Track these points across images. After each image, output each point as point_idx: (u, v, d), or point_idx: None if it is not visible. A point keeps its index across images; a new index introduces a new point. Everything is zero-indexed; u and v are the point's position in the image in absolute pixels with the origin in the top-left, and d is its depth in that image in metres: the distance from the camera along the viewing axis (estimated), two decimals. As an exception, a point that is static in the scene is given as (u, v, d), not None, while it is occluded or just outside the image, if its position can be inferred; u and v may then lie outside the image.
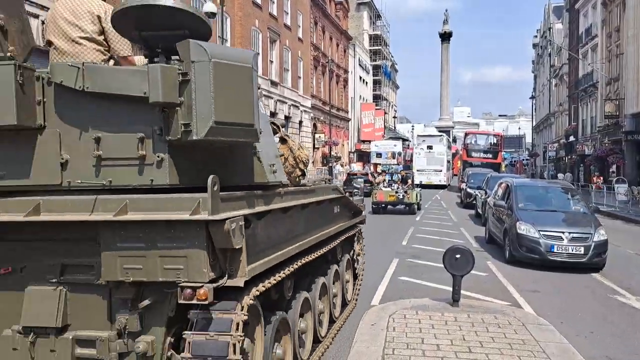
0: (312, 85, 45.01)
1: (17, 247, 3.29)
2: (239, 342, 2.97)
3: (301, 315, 4.61)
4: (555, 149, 59.26)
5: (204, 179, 2.92)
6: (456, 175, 46.93)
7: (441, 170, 40.73)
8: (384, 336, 5.54)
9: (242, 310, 3.06)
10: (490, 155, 38.58)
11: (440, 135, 46.53)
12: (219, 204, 2.93)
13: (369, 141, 61.41)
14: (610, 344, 5.88)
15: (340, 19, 54.80)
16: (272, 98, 35.07)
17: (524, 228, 10.30)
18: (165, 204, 3.00)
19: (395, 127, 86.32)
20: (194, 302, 2.92)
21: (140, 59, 3.83)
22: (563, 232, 10.00)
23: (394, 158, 45.44)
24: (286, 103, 37.69)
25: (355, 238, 7.31)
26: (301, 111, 41.19)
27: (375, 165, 44.32)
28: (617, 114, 34.96)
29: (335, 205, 5.86)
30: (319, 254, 4.94)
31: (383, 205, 20.92)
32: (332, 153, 44.78)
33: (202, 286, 2.90)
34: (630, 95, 32.14)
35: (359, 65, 63.38)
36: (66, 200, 3.15)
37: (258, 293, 3.36)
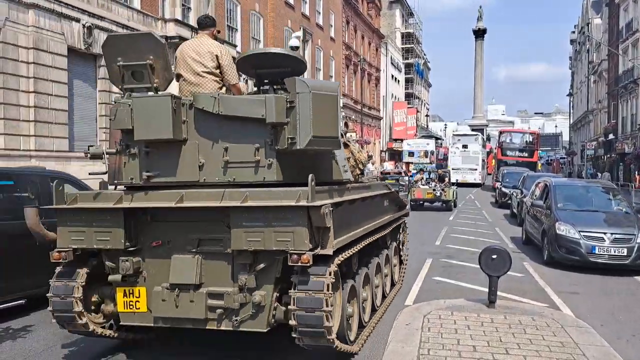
0: (344, 84, 45.00)
1: (166, 226, 4.54)
2: (329, 297, 4.10)
3: (362, 287, 5.66)
4: (593, 147, 57.58)
5: (301, 177, 4.23)
6: (490, 174, 46.14)
7: (476, 169, 41.25)
8: (419, 336, 5.56)
9: (330, 275, 4.17)
10: (525, 154, 37.80)
11: (475, 135, 46.76)
12: (315, 195, 4.08)
13: (401, 140, 60.91)
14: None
15: (372, 17, 54.58)
16: (304, 97, 35.31)
17: (563, 229, 10.01)
18: (276, 194, 4.19)
19: (427, 126, 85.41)
20: (298, 264, 4.07)
21: (243, 86, 5.27)
22: (605, 233, 9.64)
23: (426, 157, 45.04)
24: (318, 102, 37.86)
25: (401, 228, 8.53)
26: (333, 110, 41.27)
27: (408, 164, 44.00)
28: (660, 111, 33.75)
29: (385, 199, 7.17)
30: (375, 238, 6.09)
31: (421, 202, 21.83)
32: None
33: (304, 253, 4.06)
34: (675, 91, 30.97)
35: (391, 63, 63.00)
36: (202, 192, 4.40)
37: (339, 262, 4.47)
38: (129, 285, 4.65)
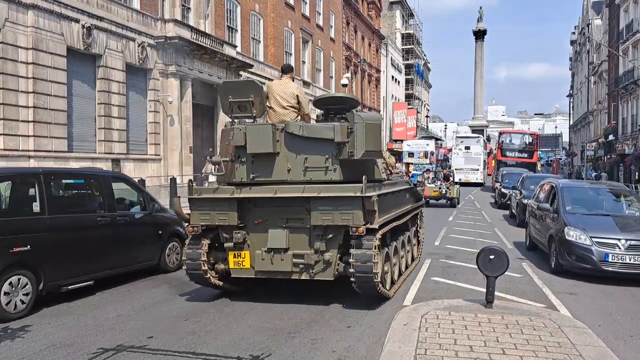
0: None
1: (264, 210, 6.85)
2: (376, 254, 6.41)
3: (393, 255, 7.91)
4: (593, 148, 57.54)
5: (355, 177, 6.59)
6: (490, 175, 46.16)
7: (478, 169, 43.50)
8: (416, 336, 5.54)
9: (376, 240, 6.55)
10: (525, 155, 37.80)
11: (477, 137, 48.65)
12: (366, 189, 6.37)
13: (401, 140, 60.88)
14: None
15: (373, 18, 54.60)
16: (304, 98, 35.29)
17: (573, 234, 9.19)
18: (340, 189, 6.50)
19: (427, 126, 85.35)
20: (357, 234, 6.44)
21: (312, 115, 7.90)
22: (619, 239, 8.85)
23: (426, 157, 45.01)
24: (318, 103, 37.85)
25: (418, 216, 10.57)
26: (333, 111, 41.28)
27: (408, 164, 43.99)
28: (661, 112, 33.72)
29: (407, 193, 9.55)
30: (402, 221, 8.31)
31: (427, 199, 22.77)
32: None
33: (360, 226, 6.41)
34: (675, 92, 30.95)
35: (391, 64, 63.01)
36: (289, 187, 6.72)
37: (381, 235, 6.76)
38: (238, 250, 7.03)
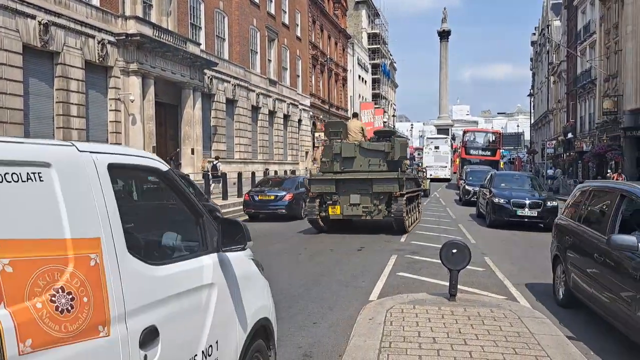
0: (311, 84, 45.02)
1: (348, 184, 13.89)
2: (404, 206, 13.76)
3: (408, 213, 14.65)
4: (553, 146, 59.24)
5: (394, 169, 14.22)
6: (455, 173, 47.11)
7: (446, 166, 48.58)
8: (381, 330, 5.59)
9: (404, 198, 13.84)
10: (488, 153, 38.66)
11: (445, 137, 54.78)
12: (400, 175, 13.89)
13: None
14: (604, 337, 5.93)
15: (339, 17, 54.80)
16: (270, 97, 35.10)
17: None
18: (387, 174, 13.93)
19: (394, 126, 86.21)
20: (396, 196, 13.60)
21: (368, 138, 15.74)
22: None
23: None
24: (285, 102, 37.71)
25: (419, 195, 17.53)
26: (300, 110, 41.21)
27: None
28: (616, 110, 34.99)
29: (414, 180, 17.18)
30: (412, 195, 15.73)
31: None
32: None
33: (397, 192, 13.56)
34: (629, 91, 32.16)
35: (358, 63, 63.40)
36: (361, 174, 14.04)
37: (405, 198, 13.91)
38: (333, 205, 13.92)
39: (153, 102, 21.41)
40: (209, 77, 26.56)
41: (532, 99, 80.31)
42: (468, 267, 7.19)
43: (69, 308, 1.98)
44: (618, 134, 34.43)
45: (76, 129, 17.80)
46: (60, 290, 1.96)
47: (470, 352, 4.91)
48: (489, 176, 19.42)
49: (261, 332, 3.64)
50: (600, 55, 39.56)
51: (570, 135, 49.83)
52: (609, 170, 34.60)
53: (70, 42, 17.59)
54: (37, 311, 1.86)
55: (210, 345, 2.95)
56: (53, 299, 1.93)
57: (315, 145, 43.41)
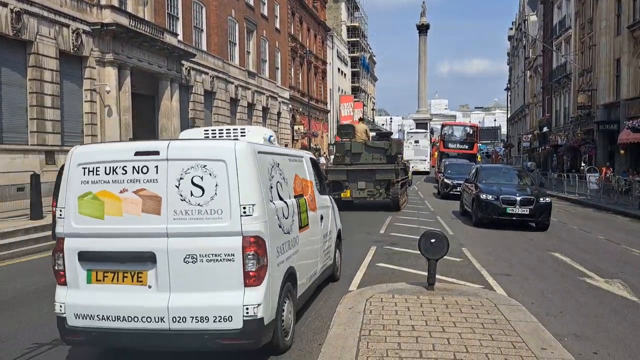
0: (291, 77, 44.83)
1: (356, 173, 18.15)
2: (399, 190, 18.35)
3: (401, 195, 19.08)
4: (529, 139, 60.19)
5: (391, 162, 18.55)
6: (434, 166, 47.50)
7: (425, 160, 50.41)
8: (360, 319, 5.63)
9: (399, 184, 18.51)
10: (466, 147, 38.96)
11: (425, 132, 55.88)
12: (397, 165, 18.71)
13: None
14: (578, 322, 6.08)
15: (318, 10, 54.61)
16: (249, 89, 34.86)
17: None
18: (387, 166, 18.23)
19: (374, 119, 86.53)
20: (394, 182, 18.02)
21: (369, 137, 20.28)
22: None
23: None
24: (264, 94, 37.50)
25: (407, 182, 23.11)
26: (279, 102, 41.04)
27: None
28: (590, 104, 35.70)
29: (405, 170, 22.00)
30: (405, 181, 20.92)
31: None
32: (312, 145, 44.74)
33: (394, 180, 18.05)
34: (603, 86, 32.83)
35: (338, 56, 63.33)
36: (367, 165, 18.33)
37: (399, 184, 18.54)
38: (345, 189, 17.92)
39: (129, 94, 21.06)
40: (186, 69, 26.23)
41: (509, 94, 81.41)
42: (446, 257, 7.30)
43: (312, 200, 6.59)
44: (592, 128, 35.15)
45: (50, 120, 17.41)
46: (311, 193, 6.63)
47: (448, 339, 4.99)
48: (474, 170, 17.75)
49: (339, 233, 8.35)
50: (575, 50, 40.26)
51: (545, 129, 50.68)
52: (582, 164, 35.37)
53: (44, 31, 17.16)
54: (308, 198, 6.35)
55: (331, 230, 7.59)
56: (310, 196, 6.55)
57: (295, 138, 43.32)
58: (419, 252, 6.93)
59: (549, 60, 50.41)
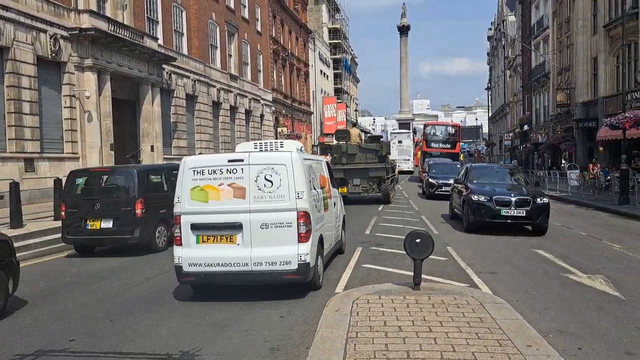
0: (273, 79, 44.75)
1: (352, 171, 20.87)
2: (389, 186, 21.76)
3: (392, 189, 23.30)
4: (510, 138, 60.92)
5: (382, 161, 21.41)
6: (417, 166, 47.77)
7: (409, 159, 51.35)
8: (347, 321, 5.62)
9: (389, 180, 21.93)
10: (449, 146, 39.22)
11: (408, 132, 57.02)
12: (387, 164, 21.85)
13: (332, 134, 61.41)
14: (562, 319, 6.15)
15: (299, 12, 54.61)
16: (231, 92, 34.72)
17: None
18: (379, 164, 21.14)
19: (357, 120, 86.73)
20: (385, 179, 20.98)
21: (362, 140, 24.42)
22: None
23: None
24: (246, 97, 37.38)
25: (395, 179, 25.54)
26: (262, 105, 40.93)
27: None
28: (568, 102, 36.25)
29: (391, 169, 23.80)
30: (393, 177, 24.33)
31: None
32: (295, 147, 44.65)
33: (384, 177, 21.02)
34: (581, 84, 33.37)
35: (320, 58, 63.40)
36: (360, 164, 21.08)
37: (389, 180, 21.97)
38: (342, 186, 19.47)
39: (110, 99, 20.83)
40: (167, 73, 26.03)
41: (490, 93, 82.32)
42: (432, 256, 7.33)
43: (329, 191, 9.06)
44: (571, 126, 35.69)
45: (29, 126, 17.14)
46: (328, 187, 9.07)
47: (435, 339, 5.01)
48: (463, 170, 16.40)
49: (344, 218, 10.68)
50: (554, 49, 40.86)
51: (526, 127, 51.34)
52: (563, 161, 35.90)
53: (21, 37, 16.89)
54: (327, 189, 8.93)
55: (339, 215, 10.13)
56: (327, 188, 9.00)
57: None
58: (404, 252, 6.95)
59: (528, 60, 51.08)
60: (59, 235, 11.40)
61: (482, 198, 12.89)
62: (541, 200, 12.80)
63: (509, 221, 12.63)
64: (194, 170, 7.05)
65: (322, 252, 7.86)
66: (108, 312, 6.73)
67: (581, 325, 5.95)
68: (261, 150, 8.17)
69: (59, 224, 11.95)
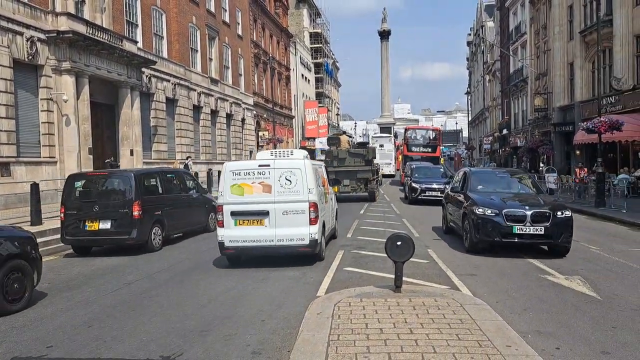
0: (254, 83, 44.65)
1: (343, 173, 23.88)
2: (376, 185, 27.03)
3: (377, 187, 28.79)
4: (490, 142, 61.70)
5: (369, 164, 24.67)
6: (398, 170, 48.09)
7: (390, 163, 52.58)
8: (329, 324, 5.63)
9: (376, 181, 27.65)
10: (429, 150, 39.54)
11: (389, 136, 58.45)
12: (373, 167, 25.56)
13: (314, 138, 61.69)
14: (540, 319, 6.24)
15: (280, 16, 54.63)
16: (212, 96, 34.53)
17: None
18: (365, 168, 24.23)
19: (338, 124, 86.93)
20: (372, 179, 24.68)
21: (351, 146, 28.41)
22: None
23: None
24: (227, 101, 37.22)
25: (379, 180, 31.89)
26: (243, 109, 40.79)
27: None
28: (546, 107, 36.91)
29: (377, 171, 28.69)
30: (378, 178, 30.94)
31: None
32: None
33: (371, 178, 24.46)
34: (558, 89, 33.99)
35: (301, 62, 63.47)
36: (351, 167, 24.10)
37: (375, 180, 26.75)
38: (334, 186, 18.83)
39: (88, 102, 20.54)
40: (147, 76, 25.78)
41: (469, 97, 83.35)
42: (413, 259, 7.38)
43: (327, 188, 12.09)
44: (549, 130, 36.32)
45: (5, 130, 16.81)
46: (326, 185, 12.08)
47: (416, 340, 5.04)
48: (461, 176, 13.57)
49: (337, 210, 13.61)
50: (531, 54, 41.57)
51: (505, 131, 52.07)
52: (541, 164, 36.47)
53: (-4, 39, 16.58)
54: (326, 187, 11.87)
55: (334, 207, 12.99)
56: (326, 186, 11.99)
57: (260, 144, 43.13)
58: (385, 255, 6.98)
59: (507, 65, 51.87)
60: (43, 239, 11.22)
61: (488, 212, 10.33)
62: (562, 213, 10.18)
63: (524, 240, 10.10)
64: (233, 172, 9.51)
65: (325, 233, 10.47)
66: (86, 318, 6.62)
67: (559, 325, 6.04)
68: (278, 158, 10.36)
69: (37, 229, 11.78)
